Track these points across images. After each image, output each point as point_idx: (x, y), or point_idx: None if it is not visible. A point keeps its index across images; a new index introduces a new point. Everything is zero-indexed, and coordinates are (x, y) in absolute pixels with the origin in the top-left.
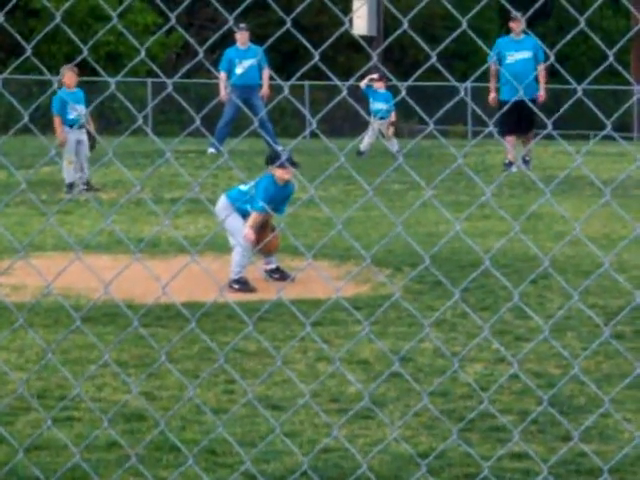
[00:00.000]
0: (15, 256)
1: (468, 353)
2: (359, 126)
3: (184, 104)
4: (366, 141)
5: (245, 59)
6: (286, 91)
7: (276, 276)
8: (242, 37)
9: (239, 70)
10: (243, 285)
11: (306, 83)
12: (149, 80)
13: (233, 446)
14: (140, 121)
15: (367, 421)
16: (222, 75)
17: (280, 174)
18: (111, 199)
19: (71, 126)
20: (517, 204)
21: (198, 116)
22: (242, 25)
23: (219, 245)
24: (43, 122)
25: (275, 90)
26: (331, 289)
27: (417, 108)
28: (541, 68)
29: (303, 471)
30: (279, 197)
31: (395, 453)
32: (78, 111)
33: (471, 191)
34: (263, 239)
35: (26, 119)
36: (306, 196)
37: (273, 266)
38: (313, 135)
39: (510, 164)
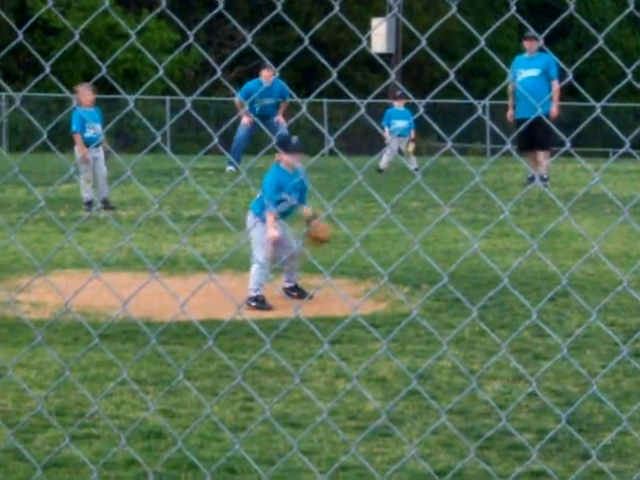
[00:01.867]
0: (34, 273)
1: (486, 371)
2: (377, 143)
3: (202, 122)
4: (385, 159)
5: (267, 97)
6: (304, 109)
7: (294, 294)
8: (268, 75)
9: (258, 105)
10: (260, 303)
11: (324, 101)
12: (167, 98)
13: (251, 464)
14: (158, 139)
15: (385, 439)
16: (239, 102)
17: (288, 160)
18: (130, 217)
19: (88, 145)
20: (535, 222)
21: (217, 134)
22: (269, 64)
23: (237, 263)
24: (62, 140)
25: (294, 108)
26: (349, 307)
27: (435, 126)
28: (554, 85)
29: None
30: (289, 185)
31: (413, 471)
32: (95, 130)
33: (489, 209)
34: (314, 234)
35: (45, 137)
36: (324, 214)
37: (292, 284)
38: (331, 153)
39: (532, 178)
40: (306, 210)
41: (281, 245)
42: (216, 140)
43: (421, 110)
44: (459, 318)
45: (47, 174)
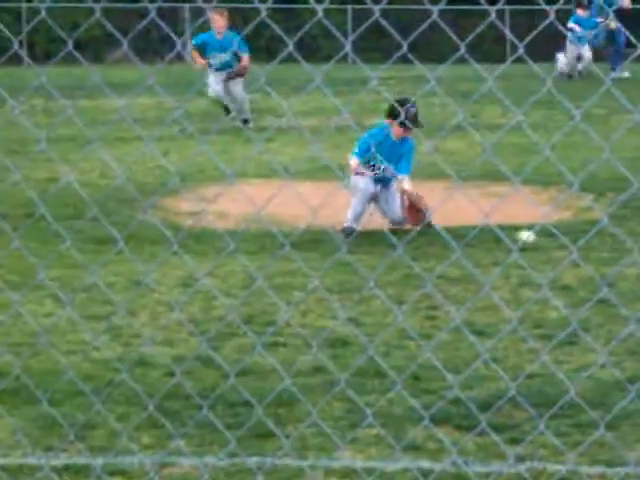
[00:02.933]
0: (219, 184)
1: None
2: (557, 49)
3: (389, 28)
4: (564, 62)
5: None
6: (493, 15)
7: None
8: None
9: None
10: (346, 235)
11: (507, 8)
12: (349, 7)
13: (437, 372)
14: (348, 47)
15: (571, 347)
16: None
17: (397, 131)
18: (313, 126)
19: (217, 69)
20: None
21: (405, 42)
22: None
23: (424, 173)
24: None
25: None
26: (535, 215)
27: (624, 30)
28: None
29: (510, 397)
30: (389, 151)
31: (600, 379)
32: (220, 58)
33: None
34: (411, 217)
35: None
36: (511, 122)
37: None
38: (518, 60)
39: None
40: (399, 181)
41: (370, 197)
42: (405, 48)
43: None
44: None
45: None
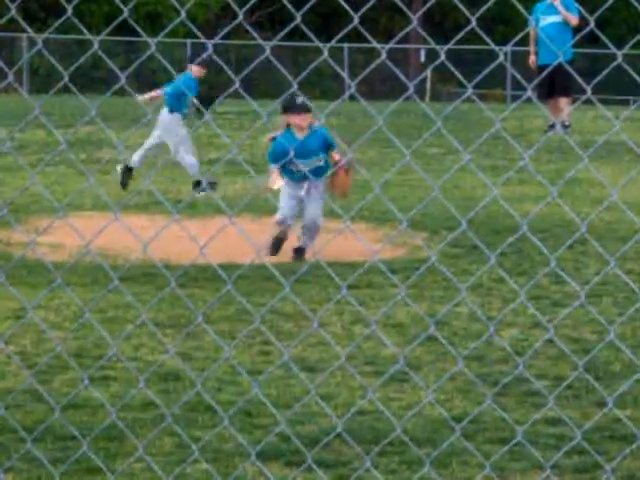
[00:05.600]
0: (53, 215)
1: (504, 317)
2: (397, 88)
3: (223, 65)
4: None
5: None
6: (325, 53)
7: (294, 255)
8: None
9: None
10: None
11: (345, 45)
12: (188, 41)
13: (268, 407)
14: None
15: (402, 384)
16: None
17: (296, 121)
18: (148, 160)
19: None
20: (555, 169)
21: (237, 78)
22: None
23: (257, 207)
24: (82, 82)
25: (314, 52)
26: (368, 252)
27: (455, 72)
28: (573, 19)
29: (338, 433)
30: (302, 150)
31: (429, 417)
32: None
33: (509, 155)
34: (333, 186)
35: (66, 79)
36: (344, 159)
37: (299, 246)
38: (352, 98)
39: (553, 126)
40: (334, 154)
41: (293, 202)
42: (237, 84)
43: (442, 56)
44: (477, 265)
45: (68, 116)
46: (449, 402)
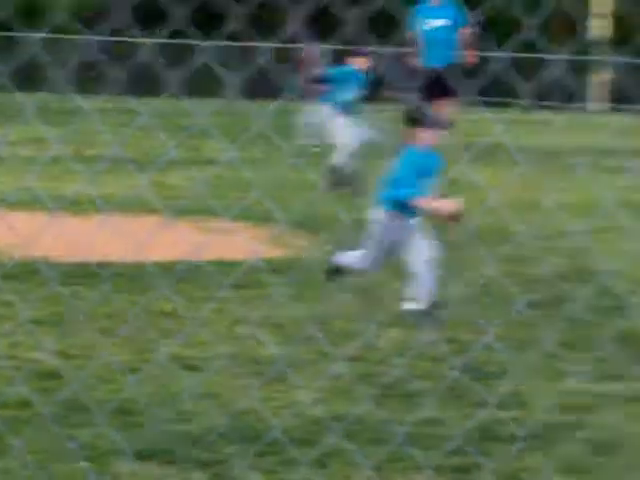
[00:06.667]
0: None
1: (386, 318)
2: (273, 86)
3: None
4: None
5: None
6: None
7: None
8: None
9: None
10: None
11: (222, 44)
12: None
13: (147, 406)
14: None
15: (281, 384)
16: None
17: (429, 137)
18: (29, 157)
19: None
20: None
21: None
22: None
23: (140, 204)
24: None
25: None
26: (250, 251)
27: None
28: (464, 32)
29: (216, 432)
30: (426, 170)
31: (310, 416)
32: None
33: None
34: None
35: None
36: (226, 157)
37: None
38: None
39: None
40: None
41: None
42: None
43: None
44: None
45: None
46: (330, 402)
